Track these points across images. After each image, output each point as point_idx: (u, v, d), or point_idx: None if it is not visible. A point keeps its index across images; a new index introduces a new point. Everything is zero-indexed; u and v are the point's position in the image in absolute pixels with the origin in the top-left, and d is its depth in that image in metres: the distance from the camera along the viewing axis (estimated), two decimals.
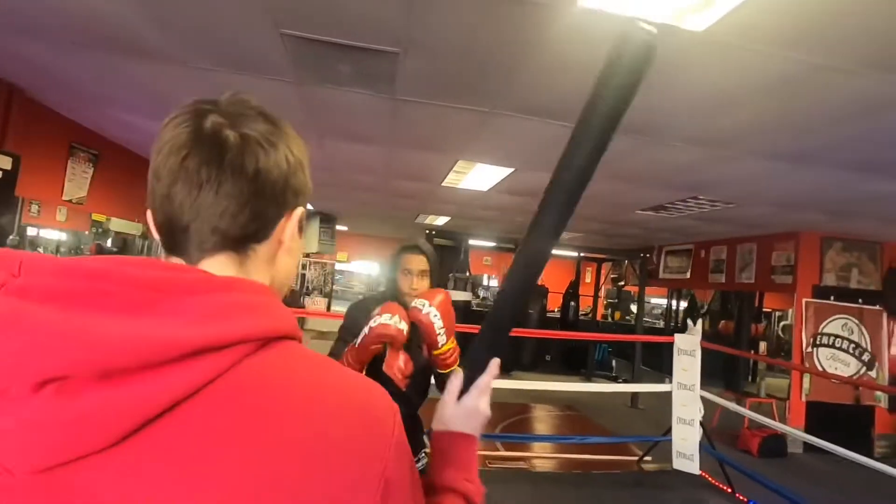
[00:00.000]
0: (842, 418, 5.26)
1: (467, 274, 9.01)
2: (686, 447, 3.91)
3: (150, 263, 0.42)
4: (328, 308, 11.90)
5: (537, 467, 4.19)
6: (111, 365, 0.34)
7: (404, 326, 1.30)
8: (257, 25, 2.13)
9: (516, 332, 6.13)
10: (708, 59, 2.04)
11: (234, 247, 0.47)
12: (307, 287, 11.97)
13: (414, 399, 1.56)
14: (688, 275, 7.35)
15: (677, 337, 4.09)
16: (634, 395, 6.63)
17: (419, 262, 1.60)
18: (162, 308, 0.38)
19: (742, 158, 3.25)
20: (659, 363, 7.33)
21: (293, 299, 10.95)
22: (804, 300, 5.50)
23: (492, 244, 10.75)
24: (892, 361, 5.56)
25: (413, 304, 1.35)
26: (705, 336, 9.51)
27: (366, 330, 1.32)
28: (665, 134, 2.94)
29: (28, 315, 0.34)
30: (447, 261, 7.63)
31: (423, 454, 1.63)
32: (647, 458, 4.36)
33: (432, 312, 1.32)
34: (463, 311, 8.03)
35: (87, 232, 9.86)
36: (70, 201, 4.17)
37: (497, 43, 2.10)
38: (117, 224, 7.47)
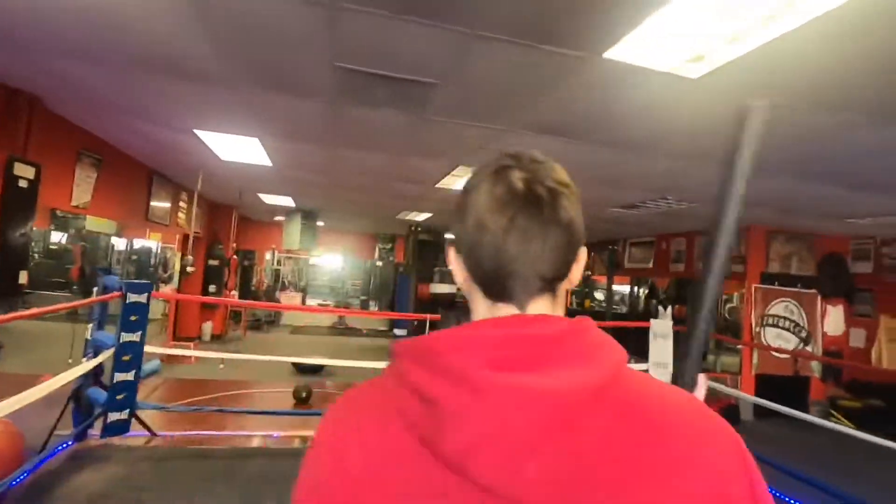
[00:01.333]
0: (784, 388, 6.04)
1: (444, 267, 9.40)
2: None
3: (536, 321, 0.51)
4: (303, 303, 11.99)
5: None
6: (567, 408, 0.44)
7: None
8: (316, 58, 2.40)
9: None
10: (695, 98, 2.49)
11: (549, 289, 0.55)
12: (282, 282, 12.00)
13: None
14: (650, 265, 8.05)
15: (653, 322, 4.65)
16: None
17: None
18: (568, 357, 0.48)
19: (710, 167, 3.79)
20: (625, 345, 7.97)
21: (268, 295, 10.99)
22: (753, 286, 6.24)
23: None
24: (824, 338, 6.42)
25: None
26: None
27: None
28: (652, 150, 3.42)
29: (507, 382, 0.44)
30: (429, 254, 7.97)
31: None
32: None
33: None
34: (448, 304, 8.44)
35: (46, 228, 9.48)
36: (77, 206, 4.22)
37: (525, 80, 2.47)
38: (93, 223, 7.34)
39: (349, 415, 0.54)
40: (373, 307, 12.68)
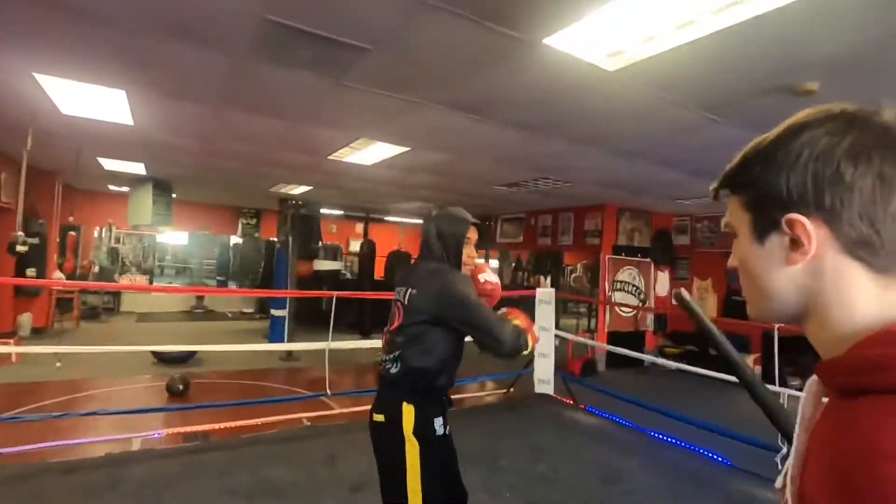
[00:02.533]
0: (627, 341, 7.20)
1: (320, 243, 9.02)
2: (545, 375, 5.04)
3: None
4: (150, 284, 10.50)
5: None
6: None
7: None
8: (243, 5, 2.11)
9: (371, 295, 6.47)
10: (607, 89, 2.79)
11: None
12: (123, 263, 10.29)
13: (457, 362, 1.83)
14: (520, 239, 8.78)
15: (538, 290, 5.14)
16: None
17: (475, 233, 1.78)
18: None
19: (594, 153, 4.28)
20: None
21: (104, 278, 9.40)
22: (607, 256, 7.25)
23: (339, 213, 10.84)
24: (656, 299, 7.78)
25: (483, 278, 1.72)
26: (526, 288, 11.20)
27: (501, 313, 1.69)
28: (554, 132, 3.73)
29: None
30: (309, 229, 7.58)
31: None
32: (512, 389, 5.41)
33: (498, 285, 1.75)
34: (333, 281, 8.14)
35: None
36: None
37: (463, 56, 2.50)
38: None
39: None
40: (232, 288, 11.63)
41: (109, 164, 6.26)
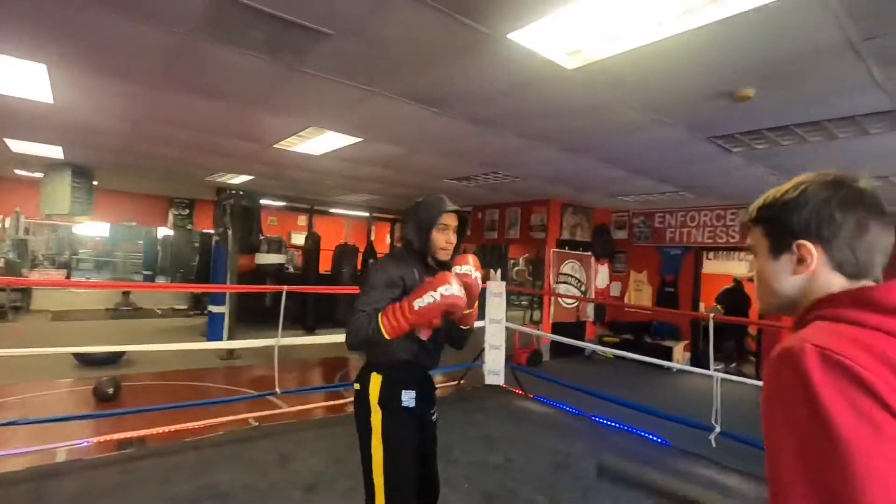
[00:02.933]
0: (570, 331, 7.50)
1: (261, 236, 8.64)
2: (495, 366, 5.13)
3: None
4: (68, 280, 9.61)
5: None
6: None
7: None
8: None
9: (324, 290, 6.35)
10: (564, 86, 2.85)
11: None
12: (33, 257, 9.31)
13: (435, 357, 1.82)
14: (468, 232, 8.84)
15: (490, 283, 5.21)
16: None
17: (454, 220, 1.75)
18: None
19: (545, 149, 4.38)
20: None
21: (11, 273, 8.50)
22: (552, 250, 7.49)
23: (280, 204, 10.41)
24: (596, 291, 8.14)
25: (460, 270, 1.66)
26: None
27: (433, 297, 1.51)
28: (509, 127, 3.77)
29: None
30: (251, 221, 7.24)
31: (436, 408, 1.91)
32: (462, 381, 5.48)
33: (479, 277, 1.71)
34: (277, 275, 7.82)
35: None
36: None
37: (427, 47, 2.46)
38: None
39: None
40: (164, 283, 10.89)
41: (19, 147, 5.62)
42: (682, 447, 3.87)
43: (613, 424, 4.44)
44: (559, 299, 7.51)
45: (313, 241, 8.56)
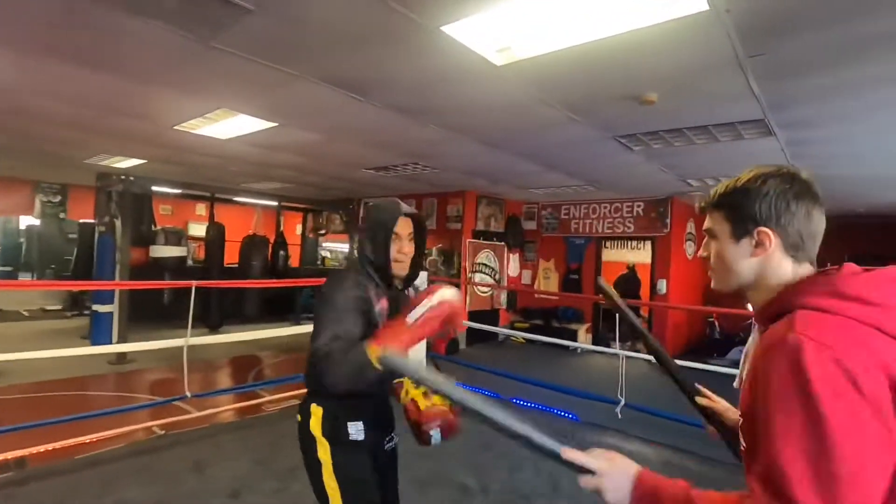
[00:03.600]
0: (484, 319, 7.78)
1: (154, 226, 7.84)
2: (418, 356, 5.19)
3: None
4: None
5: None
6: None
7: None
8: None
9: (240, 284, 6.00)
10: (490, 82, 2.94)
11: None
12: None
13: (389, 380, 1.62)
14: (425, 241, 8.77)
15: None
16: None
17: (408, 226, 1.56)
18: None
19: (465, 142, 4.47)
20: None
21: None
22: (467, 240, 7.68)
23: (175, 191, 9.48)
24: (508, 279, 8.51)
25: (434, 298, 1.35)
26: None
27: (423, 310, 1.31)
28: (433, 118, 3.79)
29: None
30: (134, 211, 6.53)
31: (394, 435, 1.68)
32: None
33: (452, 302, 1.39)
34: (176, 269, 7.12)
35: None
36: None
37: (356, 30, 2.39)
38: None
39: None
40: (32, 281, 9.45)
41: None
42: (591, 420, 4.22)
43: (529, 405, 4.70)
44: (475, 288, 7.75)
45: (216, 231, 7.95)
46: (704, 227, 0.95)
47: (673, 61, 2.57)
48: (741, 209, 0.87)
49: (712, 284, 0.96)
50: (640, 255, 8.59)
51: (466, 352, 7.23)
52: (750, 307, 0.92)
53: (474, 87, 3.05)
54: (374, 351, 1.22)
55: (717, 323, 8.11)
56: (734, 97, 3.03)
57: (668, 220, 7.30)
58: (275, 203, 9.52)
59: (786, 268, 0.86)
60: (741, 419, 0.83)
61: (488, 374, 4.99)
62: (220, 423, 3.95)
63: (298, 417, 1.57)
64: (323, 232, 10.03)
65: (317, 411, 1.51)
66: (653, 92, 3.00)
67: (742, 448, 0.83)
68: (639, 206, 7.56)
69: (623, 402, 4.06)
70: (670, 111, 3.34)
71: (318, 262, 13.23)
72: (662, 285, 7.43)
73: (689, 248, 8.00)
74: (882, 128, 3.52)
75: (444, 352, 6.78)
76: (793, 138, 3.86)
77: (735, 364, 6.58)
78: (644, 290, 8.54)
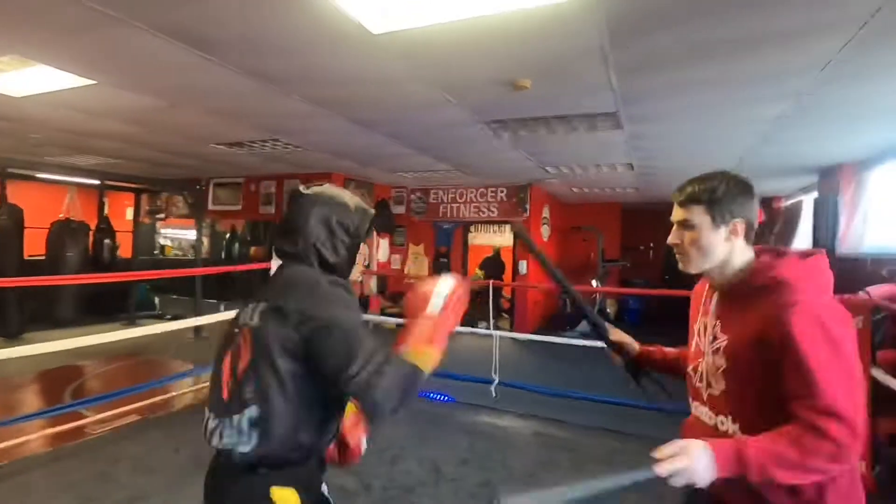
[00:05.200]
0: None
1: None
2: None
3: None
4: None
5: (159, 412, 3.95)
6: None
7: None
8: None
9: (40, 281, 4.92)
10: (364, 51, 2.70)
11: None
12: None
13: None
14: (239, 206, 7.91)
15: (273, 262, 4.72)
16: (197, 326, 6.77)
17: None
18: None
19: (333, 119, 4.14)
20: (233, 290, 7.80)
21: None
22: None
23: None
24: (378, 264, 8.33)
25: (440, 289, 1.20)
26: (240, 260, 10.37)
27: (442, 298, 1.17)
28: (295, 88, 3.40)
29: None
30: None
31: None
32: None
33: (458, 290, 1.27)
34: None
35: None
36: None
37: None
38: None
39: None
40: None
41: None
42: (467, 401, 4.31)
43: None
44: None
45: (11, 216, 6.34)
46: (680, 219, 1.14)
47: (546, 46, 2.61)
48: (720, 204, 1.10)
49: (685, 267, 1.16)
50: (504, 238, 9.08)
51: None
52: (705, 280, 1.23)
53: (345, 55, 2.78)
54: (417, 353, 1.10)
55: (568, 299, 8.97)
56: (596, 89, 3.23)
57: (528, 206, 7.80)
58: (96, 182, 7.95)
59: (746, 251, 1.13)
60: (727, 361, 1.09)
61: None
62: (26, 456, 3.14)
63: None
64: (162, 216, 8.70)
65: (288, 497, 1.09)
66: (527, 77, 3.05)
67: (697, 384, 1.18)
68: (502, 191, 7.94)
69: (497, 381, 4.21)
70: (540, 99, 3.45)
71: (157, 252, 11.56)
72: (523, 266, 7.94)
73: (545, 231, 8.68)
74: (705, 127, 4.11)
75: None
76: (634, 132, 4.31)
77: (584, 335, 7.33)
78: (507, 272, 9.06)
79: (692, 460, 0.93)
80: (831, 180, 5.44)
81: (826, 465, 0.94)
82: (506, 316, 8.90)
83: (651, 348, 1.44)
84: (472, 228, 8.59)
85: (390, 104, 3.72)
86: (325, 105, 3.81)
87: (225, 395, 1.10)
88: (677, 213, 1.14)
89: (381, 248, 8.37)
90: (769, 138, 4.36)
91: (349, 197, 1.27)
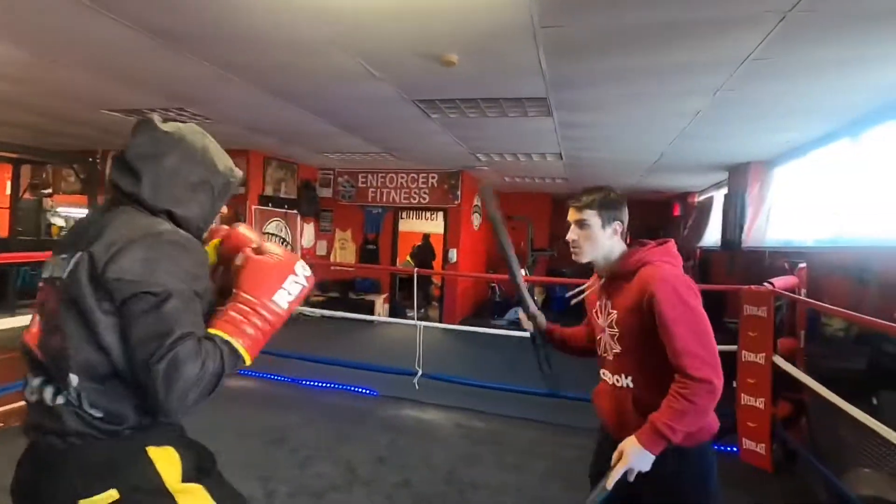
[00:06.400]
0: None
1: None
2: None
3: None
4: None
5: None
6: None
7: None
8: None
9: None
10: (277, 7, 2.38)
11: None
12: None
13: None
14: None
15: None
16: None
17: None
18: None
19: (246, 87, 3.73)
20: None
21: None
22: (253, 207, 6.77)
23: None
24: (303, 250, 7.88)
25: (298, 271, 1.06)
26: None
27: (298, 284, 1.05)
28: (199, 49, 2.99)
29: None
30: None
31: None
32: None
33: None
34: None
35: None
36: None
37: None
38: None
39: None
40: None
41: None
42: (390, 394, 4.13)
43: (325, 385, 4.38)
44: None
45: None
46: (577, 220, 1.46)
47: (474, 19, 2.44)
48: (608, 209, 1.44)
49: (579, 258, 1.49)
50: (434, 225, 8.94)
51: None
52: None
53: (257, 11, 2.44)
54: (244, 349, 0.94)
55: (497, 288, 9.02)
56: (524, 72, 3.12)
57: (459, 193, 7.69)
58: None
59: (622, 244, 1.48)
60: (618, 329, 1.41)
61: (280, 358, 4.45)
62: None
63: (113, 494, 0.91)
64: (48, 192, 7.67)
65: (162, 455, 0.98)
66: (454, 53, 2.87)
67: (602, 354, 1.50)
68: (433, 177, 7.76)
69: (420, 373, 4.06)
70: (469, 79, 3.29)
71: (45, 233, 10.25)
72: (453, 254, 7.84)
73: (476, 219, 8.63)
74: (631, 119, 4.15)
75: None
76: (564, 120, 4.28)
77: (513, 324, 7.39)
78: (438, 260, 8.94)
79: (629, 459, 1.23)
80: (740, 177, 5.78)
81: (706, 399, 1.22)
82: (436, 304, 8.80)
83: (553, 326, 1.73)
84: (402, 214, 8.35)
85: (309, 73, 3.39)
86: (236, 70, 3.40)
87: (40, 357, 0.98)
88: (574, 215, 1.46)
89: (304, 234, 7.93)
90: (688, 134, 4.50)
91: (204, 139, 1.09)
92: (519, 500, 2.62)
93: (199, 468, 1.05)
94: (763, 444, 3.07)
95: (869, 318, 2.47)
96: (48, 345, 0.95)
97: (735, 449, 3.19)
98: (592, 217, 1.42)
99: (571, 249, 1.47)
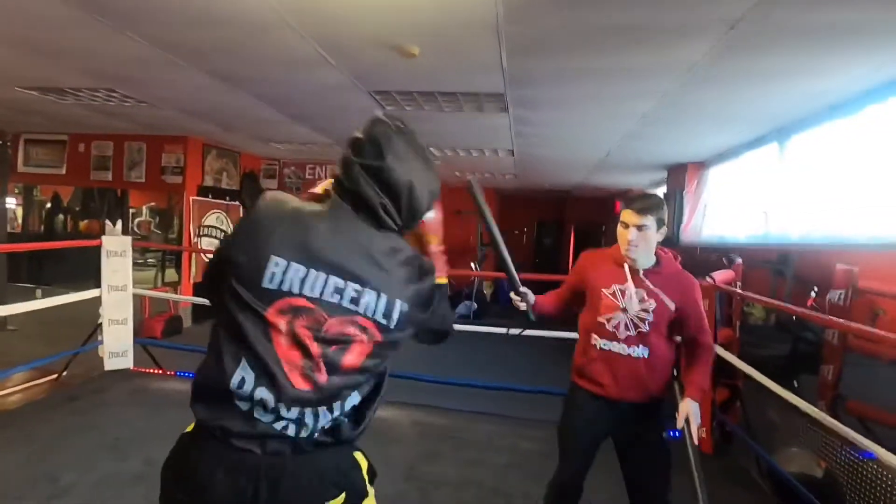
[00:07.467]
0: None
1: None
2: (119, 346, 3.98)
3: None
4: None
5: None
6: None
7: None
8: None
9: None
10: None
11: None
12: None
13: None
14: (62, 170, 6.49)
15: (106, 239, 3.90)
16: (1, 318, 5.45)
17: None
18: None
19: (188, 68, 3.46)
20: (50, 274, 6.39)
21: None
22: (191, 198, 6.36)
23: None
24: None
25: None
26: (67, 235, 8.87)
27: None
28: (132, 24, 2.73)
29: None
30: None
31: None
32: (65, 373, 4.02)
33: None
34: None
35: None
36: None
37: None
38: None
39: None
40: None
41: None
42: None
43: None
44: (203, 255, 6.54)
45: None
46: (638, 224, 1.69)
47: (442, 12, 2.39)
48: (661, 215, 1.72)
49: (634, 256, 1.73)
50: None
51: (193, 331, 6.07)
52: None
53: None
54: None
55: (450, 281, 9.04)
56: (486, 67, 3.10)
57: None
58: None
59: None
60: (653, 315, 1.72)
61: None
62: None
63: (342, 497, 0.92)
64: None
65: (362, 458, 1.03)
66: (415, 44, 2.80)
67: (611, 329, 1.76)
68: None
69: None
70: (429, 71, 3.23)
71: None
72: None
73: (429, 213, 8.56)
74: (583, 118, 4.26)
75: (160, 335, 5.51)
76: (519, 116, 4.33)
77: (464, 317, 7.43)
78: None
79: (696, 412, 1.71)
80: (678, 176, 6.12)
81: (712, 359, 1.83)
82: None
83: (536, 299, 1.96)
84: None
85: (257, 57, 3.19)
86: (174, 50, 3.15)
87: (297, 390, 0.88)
88: (635, 219, 1.69)
89: None
90: (634, 134, 4.70)
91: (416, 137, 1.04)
92: (480, 494, 2.64)
93: (371, 471, 1.06)
94: (703, 428, 3.28)
95: (797, 308, 2.68)
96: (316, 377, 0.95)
97: (678, 434, 3.37)
98: (651, 222, 1.68)
99: (629, 248, 1.71)
